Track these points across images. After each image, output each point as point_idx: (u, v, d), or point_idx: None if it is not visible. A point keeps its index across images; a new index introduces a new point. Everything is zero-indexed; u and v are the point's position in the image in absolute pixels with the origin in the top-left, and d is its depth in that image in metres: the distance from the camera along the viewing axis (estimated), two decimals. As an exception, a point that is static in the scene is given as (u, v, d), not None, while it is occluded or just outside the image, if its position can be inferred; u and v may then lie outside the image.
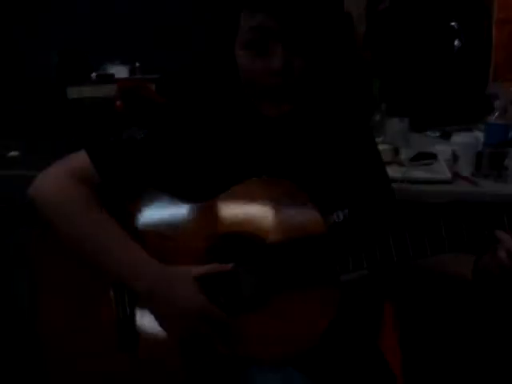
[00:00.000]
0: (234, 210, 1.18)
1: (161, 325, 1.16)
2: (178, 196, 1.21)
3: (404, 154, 2.19)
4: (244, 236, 1.16)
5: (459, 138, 2.11)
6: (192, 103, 1.27)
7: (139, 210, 1.22)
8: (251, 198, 1.18)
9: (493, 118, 2.38)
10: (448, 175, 1.98)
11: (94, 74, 7.52)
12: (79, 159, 1.21)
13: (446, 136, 2.50)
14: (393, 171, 1.90)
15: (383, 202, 1.30)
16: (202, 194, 1.20)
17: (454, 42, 2.77)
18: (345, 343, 1.25)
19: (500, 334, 2.09)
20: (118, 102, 5.98)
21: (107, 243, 1.16)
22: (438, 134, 2.61)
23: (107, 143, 1.22)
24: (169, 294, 1.13)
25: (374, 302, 1.32)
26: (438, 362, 2.10)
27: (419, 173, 2.04)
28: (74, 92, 7.48)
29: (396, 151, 2.18)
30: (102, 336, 1.20)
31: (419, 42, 2.79)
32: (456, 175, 2.01)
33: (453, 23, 2.78)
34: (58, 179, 1.20)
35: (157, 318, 1.16)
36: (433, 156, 2.16)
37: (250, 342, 1.13)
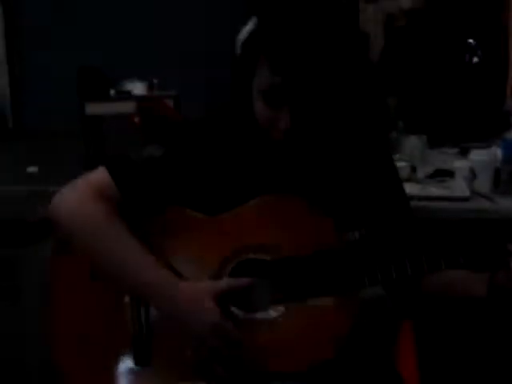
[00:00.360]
0: (249, 224, 1.19)
1: (177, 341, 1.16)
2: (196, 211, 1.22)
3: (421, 172, 2.18)
4: (259, 249, 1.17)
5: (477, 155, 2.10)
6: (209, 123, 1.28)
7: (158, 223, 1.22)
8: (266, 211, 1.19)
9: (511, 135, 2.37)
10: (466, 192, 1.97)
11: (112, 91, 7.60)
12: (99, 176, 1.22)
13: (463, 153, 2.49)
14: (410, 188, 1.89)
15: (400, 221, 1.30)
16: (219, 209, 1.21)
17: (471, 58, 2.77)
18: (360, 360, 1.25)
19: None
20: (137, 119, 6.04)
21: (130, 256, 1.17)
22: (455, 151, 2.60)
23: (127, 160, 1.23)
24: (186, 310, 1.14)
25: (390, 320, 1.32)
26: (456, 381, 2.08)
27: (436, 190, 2.03)
28: (92, 108, 7.56)
29: (413, 169, 2.18)
30: (117, 352, 1.20)
31: (436, 59, 2.79)
32: (474, 192, 1.99)
33: (470, 40, 2.78)
34: (78, 195, 1.20)
35: (175, 334, 1.16)
36: (450, 173, 2.16)
37: (269, 356, 1.13)
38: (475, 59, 2.77)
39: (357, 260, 1.13)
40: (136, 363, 1.19)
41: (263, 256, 1.17)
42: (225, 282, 1.16)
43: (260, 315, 1.17)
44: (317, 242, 1.16)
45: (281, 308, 1.15)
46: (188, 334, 1.15)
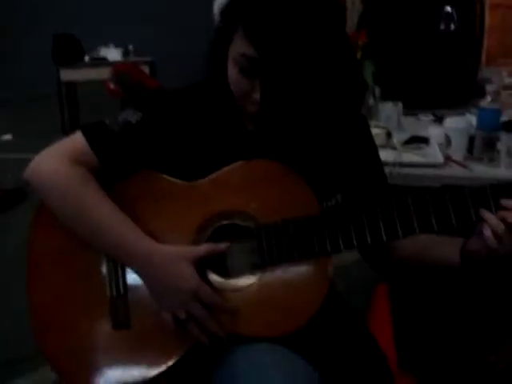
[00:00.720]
0: (226, 189, 1.19)
1: (155, 302, 1.17)
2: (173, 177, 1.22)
3: (397, 138, 2.20)
4: (237, 215, 1.18)
5: (452, 122, 2.12)
6: (186, 92, 1.28)
7: (134, 188, 1.23)
8: (244, 177, 1.19)
9: (485, 102, 2.39)
10: (440, 159, 1.99)
11: (87, 57, 7.51)
12: (76, 141, 1.22)
13: (438, 120, 2.51)
14: (385, 155, 1.91)
15: (375, 187, 1.32)
16: (194, 177, 1.21)
17: (447, 25, 2.78)
18: (334, 323, 1.27)
19: (489, 311, 2.12)
20: (112, 85, 5.97)
21: (105, 220, 1.17)
22: (430, 118, 2.62)
23: (103, 126, 1.23)
24: (164, 273, 1.14)
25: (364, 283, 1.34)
26: (431, 343, 2.13)
27: (411, 156, 2.05)
28: (67, 74, 7.47)
29: (389, 135, 2.19)
30: (94, 314, 1.21)
31: (413, 26, 2.79)
32: (448, 159, 2.02)
33: (446, 7, 2.78)
34: (55, 160, 1.20)
35: (152, 295, 1.17)
36: (425, 140, 2.17)
37: (246, 320, 1.15)
38: (451, 26, 2.78)
39: (332, 225, 1.14)
40: (114, 326, 1.20)
41: (241, 222, 1.18)
42: (203, 247, 1.17)
43: (235, 281, 1.18)
44: (293, 206, 1.17)
45: (255, 275, 1.17)
46: (166, 296, 1.16)
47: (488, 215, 1.09)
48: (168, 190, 1.21)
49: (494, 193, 1.10)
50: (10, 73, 8.76)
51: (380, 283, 1.50)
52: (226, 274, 1.20)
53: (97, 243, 1.20)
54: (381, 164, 1.36)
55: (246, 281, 1.17)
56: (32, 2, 8.75)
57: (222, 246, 1.17)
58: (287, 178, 1.18)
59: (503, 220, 1.08)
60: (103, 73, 6.27)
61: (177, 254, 1.16)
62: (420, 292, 2.10)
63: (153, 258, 1.15)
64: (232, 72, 1.16)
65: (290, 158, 1.22)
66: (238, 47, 1.12)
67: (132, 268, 1.19)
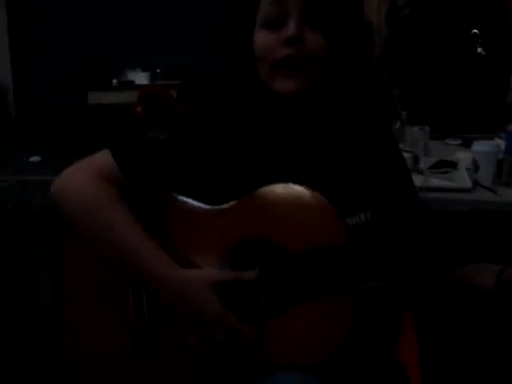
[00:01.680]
0: (254, 215, 1.18)
1: (181, 330, 1.16)
2: (199, 199, 1.21)
3: (424, 162, 2.18)
4: (261, 242, 1.16)
5: (480, 147, 2.10)
6: (213, 109, 1.28)
7: (161, 211, 1.22)
8: (272, 203, 1.17)
9: (514, 127, 2.36)
10: (468, 184, 1.97)
11: (115, 81, 7.58)
12: (102, 158, 1.21)
13: (466, 144, 2.48)
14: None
15: (407, 208, 1.29)
16: (223, 197, 1.20)
17: (475, 49, 2.76)
18: (362, 352, 1.25)
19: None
20: (139, 108, 6.03)
21: (133, 242, 1.16)
22: (458, 142, 2.60)
23: (131, 143, 1.22)
24: (189, 300, 1.13)
25: (392, 311, 1.31)
26: (458, 375, 2.09)
27: (439, 181, 2.03)
28: (94, 97, 7.54)
29: (416, 159, 2.17)
30: (118, 339, 1.20)
31: (440, 50, 2.78)
32: (476, 184, 1.99)
33: (474, 30, 2.77)
34: (81, 176, 1.19)
35: (177, 323, 1.16)
36: (453, 164, 2.15)
37: (273, 349, 1.13)
38: (479, 50, 2.76)
39: (361, 255, 1.12)
40: (137, 353, 1.19)
41: (265, 249, 1.16)
42: (227, 273, 1.16)
43: (263, 309, 1.16)
44: (320, 233, 1.15)
45: (285, 302, 1.14)
46: (193, 321, 1.14)
47: None
48: (194, 215, 1.20)
49: None
50: (36, 93, 8.88)
51: (407, 311, 1.47)
52: (248, 303, 1.18)
53: (125, 266, 1.18)
54: (414, 187, 1.34)
55: (275, 311, 1.15)
56: (57, 21, 8.87)
57: (248, 274, 1.16)
58: (314, 204, 1.16)
59: None
60: (131, 96, 6.33)
61: (200, 277, 1.14)
62: (447, 321, 2.07)
63: (177, 283, 1.14)
64: (261, 37, 1.15)
65: (321, 173, 1.21)
66: (265, 5, 1.14)
67: (157, 292, 1.18)
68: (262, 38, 1.15)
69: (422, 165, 2.16)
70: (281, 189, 1.18)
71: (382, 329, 1.29)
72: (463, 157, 2.16)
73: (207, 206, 1.20)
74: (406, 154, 2.12)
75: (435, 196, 1.93)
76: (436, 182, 2.02)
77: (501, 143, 2.15)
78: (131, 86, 7.09)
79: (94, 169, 1.20)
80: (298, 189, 1.17)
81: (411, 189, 1.33)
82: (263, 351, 1.13)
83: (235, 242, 1.17)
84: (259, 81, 1.18)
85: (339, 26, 1.15)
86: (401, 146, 2.34)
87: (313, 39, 1.13)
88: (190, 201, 1.21)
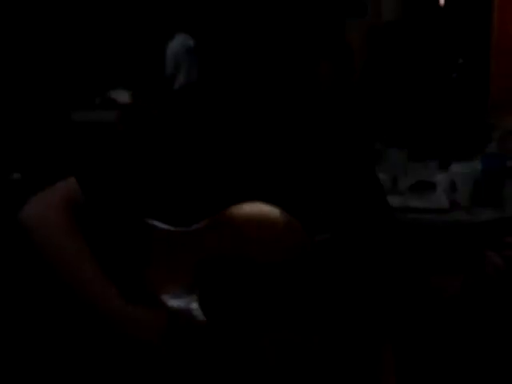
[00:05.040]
0: (220, 235, 1.19)
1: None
2: (166, 219, 1.21)
3: (402, 184, 2.20)
4: (231, 260, 1.18)
5: (458, 168, 2.13)
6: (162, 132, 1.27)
7: (128, 236, 1.24)
8: (237, 222, 1.18)
9: (491, 148, 2.40)
10: (445, 204, 1.99)
11: (97, 99, 7.55)
12: (68, 183, 1.22)
13: (444, 165, 2.51)
14: (391, 200, 1.90)
15: (374, 229, 1.30)
16: (186, 218, 1.20)
17: (452, 73, 2.81)
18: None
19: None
20: (121, 127, 6.02)
21: (78, 275, 1.19)
22: (436, 163, 2.63)
23: (96, 164, 1.24)
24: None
25: (370, 343, 1.31)
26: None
27: (417, 202, 2.06)
28: (77, 116, 7.50)
29: (394, 181, 2.20)
30: None
31: (418, 73, 2.82)
32: (454, 204, 2.02)
33: (451, 55, 2.82)
34: (45, 204, 1.21)
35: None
36: (431, 185, 2.18)
37: None
38: (455, 74, 2.81)
39: (324, 268, 1.15)
40: None
41: (234, 268, 1.18)
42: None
43: None
44: (287, 250, 1.17)
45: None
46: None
47: (489, 253, 1.13)
48: (163, 238, 1.21)
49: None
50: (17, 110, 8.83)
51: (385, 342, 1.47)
52: None
53: (72, 293, 1.22)
54: (386, 207, 1.34)
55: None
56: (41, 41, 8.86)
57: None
58: (281, 221, 1.18)
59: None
60: (113, 115, 6.34)
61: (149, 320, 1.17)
62: (424, 349, 2.08)
63: (120, 319, 1.17)
64: None
65: (288, 192, 1.22)
66: None
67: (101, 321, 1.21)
68: None
69: (400, 186, 2.18)
70: (248, 208, 1.19)
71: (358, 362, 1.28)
72: (441, 178, 2.19)
73: (173, 229, 1.20)
74: (384, 176, 2.15)
75: (413, 216, 1.95)
76: (414, 202, 2.05)
77: (478, 164, 2.18)
78: (113, 104, 7.09)
79: (59, 195, 1.22)
80: (264, 207, 1.19)
81: (381, 209, 1.33)
82: None
83: (203, 263, 1.19)
84: None
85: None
86: (379, 167, 2.37)
87: None
88: (154, 223, 1.21)
